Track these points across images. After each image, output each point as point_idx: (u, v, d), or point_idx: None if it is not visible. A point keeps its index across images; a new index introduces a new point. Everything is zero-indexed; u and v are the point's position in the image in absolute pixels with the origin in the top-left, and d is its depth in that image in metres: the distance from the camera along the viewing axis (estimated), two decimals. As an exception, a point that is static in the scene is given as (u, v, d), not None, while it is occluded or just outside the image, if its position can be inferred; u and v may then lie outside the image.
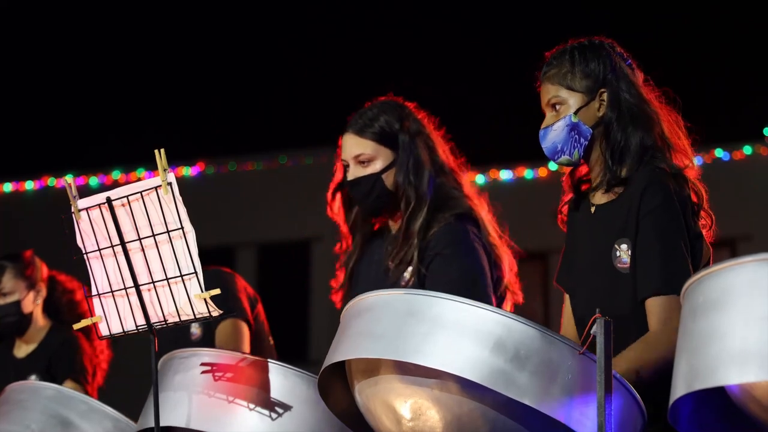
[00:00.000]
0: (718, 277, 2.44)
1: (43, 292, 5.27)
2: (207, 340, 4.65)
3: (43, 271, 5.32)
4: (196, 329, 4.69)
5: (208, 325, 4.68)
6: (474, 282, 3.80)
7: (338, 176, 4.03)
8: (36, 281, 5.24)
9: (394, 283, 3.85)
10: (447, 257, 3.80)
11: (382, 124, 3.89)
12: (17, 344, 5.31)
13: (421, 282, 3.83)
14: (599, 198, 3.33)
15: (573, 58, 3.33)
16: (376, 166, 3.89)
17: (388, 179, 3.89)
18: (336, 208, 4.05)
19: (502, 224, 4.08)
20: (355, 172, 3.90)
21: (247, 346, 4.63)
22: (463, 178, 3.98)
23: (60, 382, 5.07)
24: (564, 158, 3.33)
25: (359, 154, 3.89)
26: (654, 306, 3.12)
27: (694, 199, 3.24)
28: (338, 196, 4.03)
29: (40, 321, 5.26)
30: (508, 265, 3.93)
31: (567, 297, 3.50)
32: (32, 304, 5.23)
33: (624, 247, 3.21)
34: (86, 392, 5.14)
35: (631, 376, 2.91)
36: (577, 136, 3.30)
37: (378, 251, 3.98)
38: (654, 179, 3.19)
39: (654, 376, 2.99)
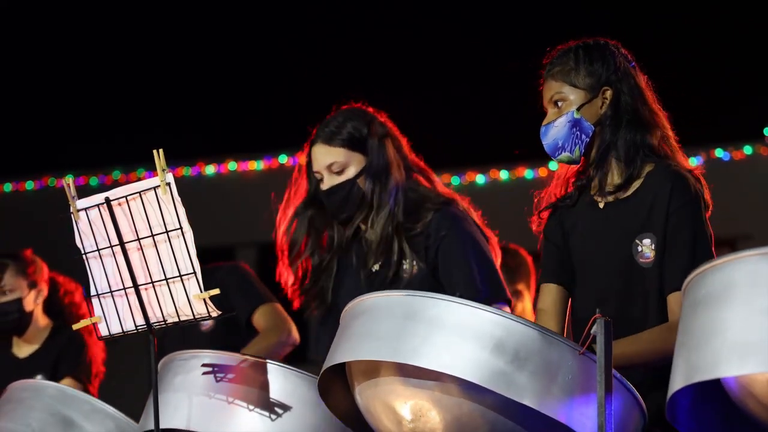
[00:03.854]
0: (719, 271, 2.45)
1: (44, 292, 5.27)
2: (218, 333, 4.60)
3: (45, 271, 5.32)
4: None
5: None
6: (485, 256, 3.84)
7: (301, 191, 4.00)
8: (37, 281, 5.25)
9: (388, 279, 3.85)
10: (452, 238, 3.82)
11: (350, 130, 3.89)
12: (17, 344, 5.30)
13: (428, 268, 3.83)
14: (607, 195, 3.33)
15: (577, 56, 3.34)
16: (350, 173, 3.88)
17: (363, 183, 3.88)
18: (291, 228, 4.01)
19: (500, 224, 4.09)
20: (329, 182, 3.89)
21: (292, 324, 4.61)
22: (434, 176, 4.00)
23: (59, 379, 5.07)
24: (564, 155, 3.33)
25: (332, 162, 3.88)
26: (678, 299, 3.11)
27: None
28: (304, 214, 3.99)
29: (41, 321, 5.26)
30: (497, 253, 3.97)
31: (548, 288, 3.45)
32: (33, 303, 5.23)
33: (647, 242, 3.22)
34: (86, 391, 5.13)
35: (651, 356, 3.00)
36: (578, 133, 3.30)
37: (357, 258, 3.97)
38: (680, 176, 3.23)
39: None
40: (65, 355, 5.18)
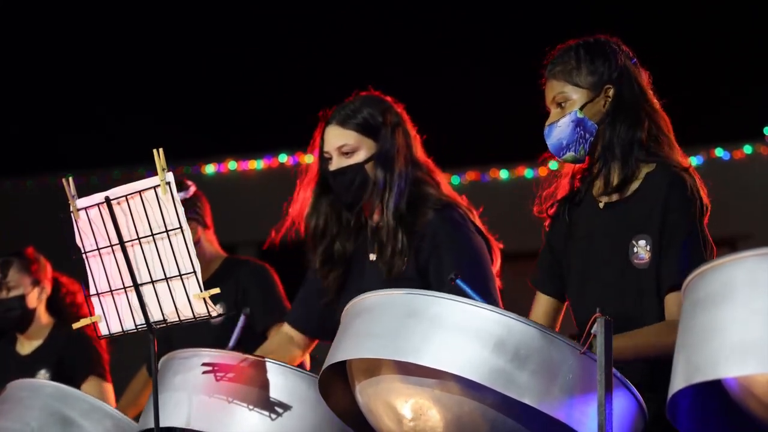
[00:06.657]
0: (719, 271, 2.44)
1: (47, 290, 5.32)
2: (228, 324, 4.57)
3: (48, 269, 5.36)
4: None
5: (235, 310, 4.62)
6: (480, 266, 3.82)
7: (313, 174, 4.00)
8: (41, 278, 5.30)
9: (391, 274, 3.84)
10: (449, 243, 3.81)
11: (365, 116, 3.90)
12: (20, 341, 5.33)
13: (415, 269, 3.82)
14: (607, 195, 3.33)
15: (579, 55, 3.32)
16: (359, 157, 3.88)
17: (370, 170, 3.88)
18: (313, 211, 4.01)
19: (500, 224, 4.08)
20: (338, 163, 3.89)
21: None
22: (438, 174, 3.99)
23: (81, 381, 5.09)
24: (569, 155, 3.32)
25: (343, 144, 3.88)
26: (674, 299, 3.12)
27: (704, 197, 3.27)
28: (320, 198, 3.99)
29: (44, 318, 5.30)
30: (497, 256, 3.95)
31: (541, 299, 3.50)
32: (36, 300, 5.27)
33: (642, 243, 3.22)
34: (109, 383, 5.18)
35: (646, 350, 3.04)
36: (582, 132, 3.30)
37: (363, 246, 3.97)
38: (678, 176, 3.21)
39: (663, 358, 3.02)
40: (72, 355, 5.19)
